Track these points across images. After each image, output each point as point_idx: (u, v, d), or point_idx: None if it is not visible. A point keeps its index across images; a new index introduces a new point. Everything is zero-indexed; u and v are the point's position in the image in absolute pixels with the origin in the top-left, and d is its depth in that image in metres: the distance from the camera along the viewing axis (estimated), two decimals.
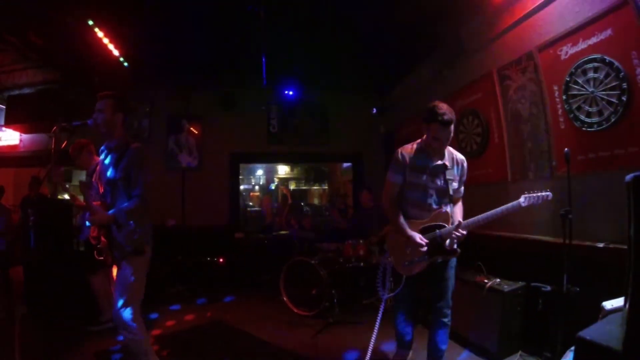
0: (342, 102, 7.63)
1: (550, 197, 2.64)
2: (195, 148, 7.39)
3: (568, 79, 3.15)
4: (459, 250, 2.94)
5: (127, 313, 2.78)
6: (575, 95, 3.11)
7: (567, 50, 3.17)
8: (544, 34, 3.42)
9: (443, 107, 2.79)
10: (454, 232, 2.82)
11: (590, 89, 2.97)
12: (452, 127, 2.81)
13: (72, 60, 5.99)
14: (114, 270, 3.04)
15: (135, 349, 2.89)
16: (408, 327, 3.28)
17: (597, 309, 2.33)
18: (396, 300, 3.27)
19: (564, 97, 3.22)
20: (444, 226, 2.91)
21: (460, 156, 3.07)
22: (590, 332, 1.99)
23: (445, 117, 2.76)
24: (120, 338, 3.67)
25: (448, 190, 2.97)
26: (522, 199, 2.67)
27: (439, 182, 2.97)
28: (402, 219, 3.00)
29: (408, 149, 3.05)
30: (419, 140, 3.04)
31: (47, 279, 4.73)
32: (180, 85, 7.13)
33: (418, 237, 2.89)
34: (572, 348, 2.29)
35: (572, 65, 3.10)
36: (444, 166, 2.96)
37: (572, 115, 3.16)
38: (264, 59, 5.83)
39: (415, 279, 3.05)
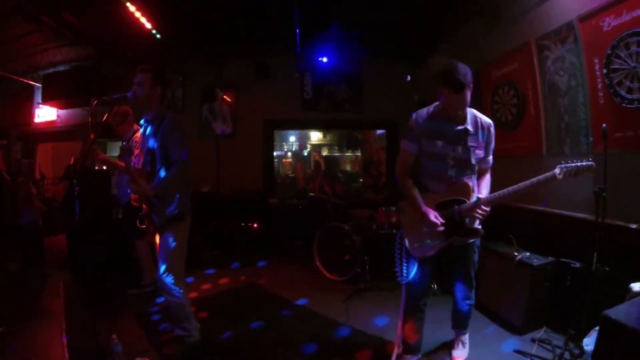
0: (376, 69, 7.52)
1: (593, 167, 2.25)
2: (229, 116, 7.55)
3: (610, 52, 3.02)
4: (481, 230, 2.64)
5: (169, 278, 2.98)
6: (616, 70, 2.99)
7: (610, 22, 3.02)
8: (586, 4, 3.24)
9: (456, 69, 2.44)
10: (475, 209, 2.52)
11: (633, 64, 2.84)
12: (468, 91, 2.47)
13: (105, 36, 6.15)
14: (157, 237, 3.23)
15: (177, 312, 3.10)
16: (420, 321, 2.92)
17: (624, 290, 2.36)
18: (406, 287, 2.90)
19: (604, 70, 3.10)
20: (464, 201, 2.58)
21: (486, 120, 2.67)
22: (616, 312, 2.02)
23: (456, 83, 2.42)
24: (160, 300, 3.90)
25: (470, 160, 2.62)
26: (557, 170, 2.30)
27: (459, 150, 2.61)
28: (416, 193, 2.69)
29: (423, 114, 2.70)
30: (436, 103, 2.68)
31: (90, 246, 5.04)
32: (213, 54, 7.19)
33: (433, 215, 2.57)
34: (597, 328, 2.33)
35: (615, 38, 2.96)
36: (466, 131, 2.59)
37: (612, 90, 3.05)
38: (297, 26, 5.79)
39: (430, 262, 2.77)
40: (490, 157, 2.76)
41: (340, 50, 6.93)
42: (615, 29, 2.98)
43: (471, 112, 2.64)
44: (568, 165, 2.27)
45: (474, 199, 2.56)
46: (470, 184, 2.61)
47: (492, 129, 2.67)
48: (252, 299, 4.64)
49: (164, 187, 2.94)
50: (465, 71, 2.44)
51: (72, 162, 6.65)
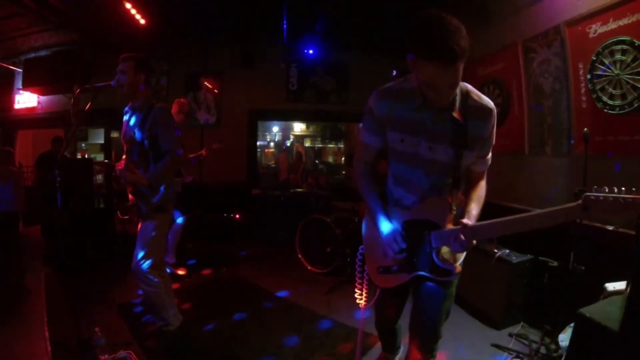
0: (363, 61, 7.49)
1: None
2: (214, 105, 7.47)
3: (594, 58, 3.11)
4: (457, 268, 1.82)
5: (146, 265, 2.94)
6: (600, 76, 3.08)
7: (596, 29, 3.10)
8: (575, 9, 3.32)
9: (446, 27, 1.46)
10: (455, 238, 1.68)
11: (616, 71, 2.93)
12: (461, 65, 1.49)
13: (88, 21, 5.98)
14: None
15: (154, 302, 3.06)
16: (392, 336, 2.44)
17: (599, 289, 2.45)
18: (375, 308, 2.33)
19: (588, 76, 3.19)
20: (438, 225, 1.78)
21: (485, 102, 1.73)
22: (590, 310, 2.12)
23: (447, 51, 1.43)
24: (140, 292, 3.83)
25: (458, 164, 1.76)
26: (582, 201, 1.41)
27: (440, 150, 1.76)
28: (376, 201, 1.95)
29: (389, 91, 1.81)
30: (408, 76, 1.78)
31: (71, 236, 4.91)
32: (198, 43, 7.09)
33: (392, 237, 1.79)
34: (572, 324, 2.43)
35: (600, 45, 3.05)
36: (452, 121, 1.71)
37: (595, 96, 3.14)
38: (285, 15, 5.73)
39: (393, 293, 2.08)
40: (489, 156, 1.91)
41: (327, 41, 6.90)
42: (601, 36, 3.06)
43: (462, 89, 1.72)
44: (603, 195, 1.36)
45: (455, 222, 1.76)
46: (452, 200, 1.80)
47: (494, 116, 1.75)
48: (234, 290, 4.62)
49: (158, 177, 2.90)
50: (458, 30, 1.48)
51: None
